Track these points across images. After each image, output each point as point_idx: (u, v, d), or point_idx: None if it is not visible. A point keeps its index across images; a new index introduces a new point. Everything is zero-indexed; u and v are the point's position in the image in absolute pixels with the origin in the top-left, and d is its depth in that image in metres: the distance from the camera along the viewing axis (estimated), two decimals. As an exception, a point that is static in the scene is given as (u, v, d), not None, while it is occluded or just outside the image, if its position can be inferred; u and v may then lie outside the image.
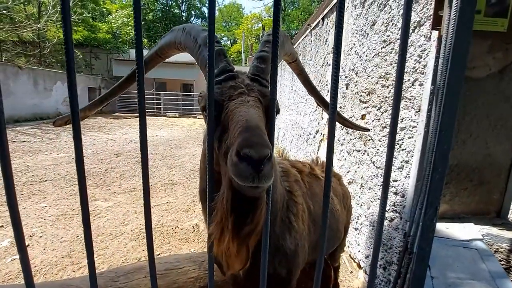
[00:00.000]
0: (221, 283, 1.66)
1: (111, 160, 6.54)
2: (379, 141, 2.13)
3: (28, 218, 3.52)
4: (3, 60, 12.18)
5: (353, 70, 2.65)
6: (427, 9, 1.61)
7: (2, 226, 3.30)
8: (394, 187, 1.90)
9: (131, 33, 22.74)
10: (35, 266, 2.62)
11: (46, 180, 4.93)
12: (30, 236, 3.12)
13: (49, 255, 2.78)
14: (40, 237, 3.11)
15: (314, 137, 4.18)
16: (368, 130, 1.45)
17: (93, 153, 7.12)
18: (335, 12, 3.34)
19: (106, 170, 5.72)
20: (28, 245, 2.96)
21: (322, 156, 3.59)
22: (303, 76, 1.26)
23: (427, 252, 0.95)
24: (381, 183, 2.03)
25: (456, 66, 0.85)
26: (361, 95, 2.46)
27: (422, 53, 1.63)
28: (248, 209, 0.71)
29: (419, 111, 1.65)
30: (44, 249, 2.88)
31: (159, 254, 2.85)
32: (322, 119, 3.78)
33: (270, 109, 0.65)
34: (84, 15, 16.82)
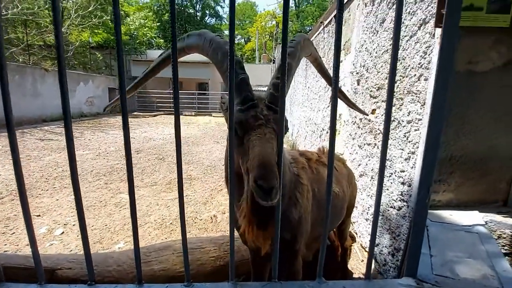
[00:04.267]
0: (238, 263, 1.83)
1: (132, 157, 6.86)
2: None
3: (61, 208, 3.85)
4: (31, 64, 12.91)
5: (363, 66, 2.74)
6: (432, 7, 1.70)
7: (39, 215, 3.63)
8: (402, 178, 1.99)
9: (147, 34, 23.39)
10: (71, 250, 2.89)
11: (74, 175, 5.29)
12: (65, 224, 3.42)
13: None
14: (73, 225, 3.41)
15: (327, 132, 4.27)
16: (366, 114, 1.72)
17: (115, 150, 7.51)
18: (346, 10, 3.42)
19: (128, 165, 6.04)
20: (63, 232, 3.26)
21: (336, 149, 3.69)
22: (326, 75, 1.46)
23: (421, 228, 1.06)
24: (390, 174, 2.13)
25: (444, 59, 0.97)
26: (371, 91, 2.55)
27: (427, 49, 1.72)
28: (268, 212, 0.98)
29: (424, 104, 1.74)
30: (77, 236, 3.17)
31: (181, 241, 3.08)
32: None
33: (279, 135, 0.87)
34: (104, 18, 17.48)
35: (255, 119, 0.97)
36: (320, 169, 1.58)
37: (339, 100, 3.56)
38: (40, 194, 4.33)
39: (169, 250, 1.62)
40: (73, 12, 15.37)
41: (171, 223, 3.48)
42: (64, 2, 16.06)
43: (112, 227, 3.36)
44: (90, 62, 19.33)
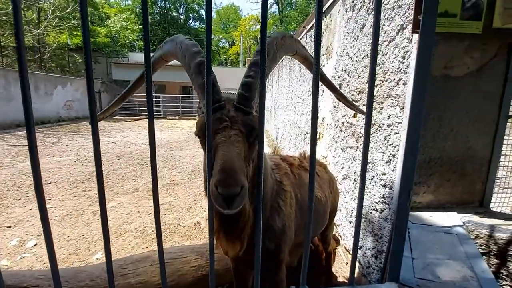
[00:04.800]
0: (222, 271, 1.78)
1: (113, 162, 6.66)
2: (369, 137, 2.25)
3: (35, 218, 3.64)
4: (4, 66, 12.30)
5: (345, 70, 2.78)
6: (409, 13, 1.73)
7: (10, 227, 3.42)
8: (383, 180, 2.02)
9: (129, 37, 22.93)
10: (44, 263, 2.73)
11: (50, 183, 5.05)
12: (38, 235, 3.23)
13: (57, 253, 2.86)
14: (47, 236, 3.23)
15: (311, 136, 4.29)
16: (362, 112, 1.65)
17: (95, 156, 7.23)
18: (328, 15, 3.48)
19: (108, 172, 5.84)
20: (36, 244, 3.08)
21: (319, 152, 3.71)
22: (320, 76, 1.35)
23: (403, 232, 1.06)
24: (372, 177, 2.15)
25: (422, 64, 0.97)
26: (352, 94, 2.58)
27: (405, 54, 1.75)
28: (233, 220, 0.96)
29: (403, 108, 1.77)
30: (51, 247, 3.00)
31: (163, 250, 2.97)
32: (318, 118, 3.90)
33: (258, 137, 0.78)
34: (83, 19, 16.93)
35: (220, 121, 0.90)
36: (302, 174, 1.56)
37: (322, 103, 3.54)
38: (11, 204, 4.09)
39: (148, 262, 1.54)
40: (50, 12, 14.82)
41: (152, 231, 3.37)
42: (41, 2, 15.48)
43: (89, 237, 3.21)
44: (69, 65, 18.69)
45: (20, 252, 2.90)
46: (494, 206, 2.04)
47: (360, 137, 2.43)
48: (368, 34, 2.25)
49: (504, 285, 1.49)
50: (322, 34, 3.76)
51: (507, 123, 1.87)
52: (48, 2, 15.56)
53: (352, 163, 2.64)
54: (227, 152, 0.84)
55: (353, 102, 1.56)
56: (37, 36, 14.88)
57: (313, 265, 2.14)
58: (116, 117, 17.98)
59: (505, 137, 1.88)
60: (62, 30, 16.23)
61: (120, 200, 4.36)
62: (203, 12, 41.87)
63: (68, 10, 15.55)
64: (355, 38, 2.52)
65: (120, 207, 4.09)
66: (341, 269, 2.68)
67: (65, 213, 3.84)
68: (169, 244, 3.13)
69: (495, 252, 1.57)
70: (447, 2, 1.55)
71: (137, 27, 23.63)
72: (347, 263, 2.73)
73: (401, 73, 1.79)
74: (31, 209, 3.92)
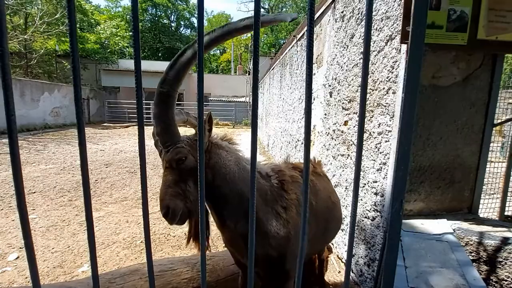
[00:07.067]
0: (214, 283, 1.74)
1: (101, 171, 6.51)
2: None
3: (18, 230, 3.49)
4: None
5: (335, 79, 2.81)
6: (398, 24, 1.78)
7: (-10, 239, 3.27)
8: (375, 188, 2.03)
9: (119, 43, 22.77)
10: (26, 277, 2.61)
11: (35, 192, 4.89)
12: (20, 248, 3.10)
13: (41, 266, 2.77)
14: (31, 248, 3.10)
15: (302, 143, 4.31)
16: None
17: (82, 164, 7.05)
18: (318, 25, 3.54)
19: (96, 180, 5.70)
20: (18, 257, 2.95)
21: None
22: None
23: (396, 241, 1.06)
24: (363, 185, 2.16)
25: (412, 74, 0.99)
26: (343, 103, 2.61)
27: (394, 64, 1.79)
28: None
29: (393, 116, 1.79)
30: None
31: (152, 261, 2.89)
32: (309, 125, 3.93)
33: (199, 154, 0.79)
34: (72, 26, 16.73)
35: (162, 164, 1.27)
36: (315, 180, 1.56)
37: (313, 111, 3.57)
38: (-7, 216, 3.92)
39: (136, 275, 1.49)
40: (38, 18, 14.59)
41: (141, 242, 3.28)
42: (28, 8, 15.25)
43: (75, 249, 3.10)
44: (56, 71, 18.37)
45: (1, 265, 2.77)
46: (481, 212, 2.08)
47: (351, 144, 2.46)
48: (358, 44, 2.30)
49: (494, 292, 1.50)
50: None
51: (492, 131, 1.92)
52: (36, 7, 15.35)
53: (343, 170, 2.65)
54: (161, 187, 1.16)
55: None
56: (23, 42, 14.60)
57: (306, 273, 2.12)
58: (105, 124, 17.69)
59: (490, 144, 1.93)
60: (50, 36, 15.99)
61: (109, 210, 4.25)
62: (194, 20, 42.10)
63: (56, 16, 15.35)
64: (345, 48, 2.57)
65: (108, 217, 3.97)
66: (334, 277, 2.66)
67: (50, 223, 3.71)
68: (159, 254, 3.05)
69: (484, 259, 1.59)
70: (434, 14, 1.59)
71: (127, 33, 23.52)
72: (340, 272, 2.71)
73: (391, 82, 1.83)
74: (13, 220, 3.76)
